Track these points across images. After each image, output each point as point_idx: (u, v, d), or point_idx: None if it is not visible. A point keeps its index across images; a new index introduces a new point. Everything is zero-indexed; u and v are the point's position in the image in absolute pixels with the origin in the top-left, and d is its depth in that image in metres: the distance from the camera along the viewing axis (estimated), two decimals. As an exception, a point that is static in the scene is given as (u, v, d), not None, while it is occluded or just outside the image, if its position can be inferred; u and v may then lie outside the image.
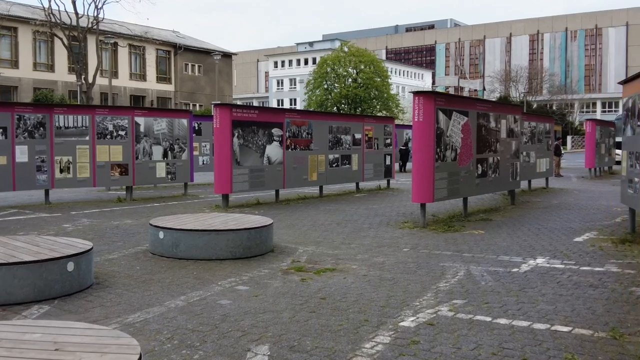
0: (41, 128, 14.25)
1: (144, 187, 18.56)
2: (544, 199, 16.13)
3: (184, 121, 16.87)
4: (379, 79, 60.54)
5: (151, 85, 53.31)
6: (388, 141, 19.39)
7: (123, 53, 50.37)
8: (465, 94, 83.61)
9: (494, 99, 65.24)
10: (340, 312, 5.44)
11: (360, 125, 18.10)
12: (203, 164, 21.75)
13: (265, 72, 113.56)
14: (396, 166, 23.89)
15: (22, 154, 14.00)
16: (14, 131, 13.87)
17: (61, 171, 14.55)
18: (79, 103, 37.52)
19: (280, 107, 76.20)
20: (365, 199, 16.16)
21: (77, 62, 40.00)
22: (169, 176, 16.47)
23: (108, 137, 15.14)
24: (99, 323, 5.13)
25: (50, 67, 46.55)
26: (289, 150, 15.21)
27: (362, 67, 60.52)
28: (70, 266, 6.14)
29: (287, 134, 15.12)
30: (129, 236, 9.78)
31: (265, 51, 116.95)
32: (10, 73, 43.41)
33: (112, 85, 43.67)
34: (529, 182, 18.69)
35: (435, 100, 10.87)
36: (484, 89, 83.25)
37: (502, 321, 5.15)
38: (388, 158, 19.43)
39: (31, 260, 5.92)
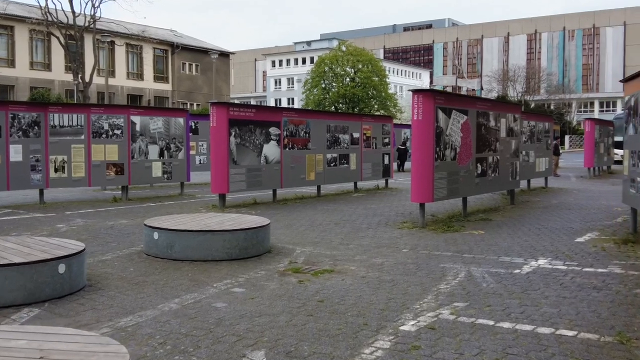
0: (36, 127, 14.08)
1: (140, 186, 18.40)
2: (544, 198, 16.00)
3: (181, 120, 16.71)
4: (376, 79, 60.46)
5: (148, 84, 53.11)
6: (386, 140, 19.25)
7: (120, 52, 50.16)
8: (463, 93, 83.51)
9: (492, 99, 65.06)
10: (339, 316, 5.29)
11: (359, 125, 17.96)
12: (200, 163, 21.59)
13: (263, 72, 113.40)
14: (394, 165, 23.75)
15: (16, 153, 13.83)
16: (8, 130, 13.70)
17: (56, 170, 14.39)
18: (75, 102, 37.29)
19: (277, 105, 76.15)
20: (364, 198, 16.01)
21: (74, 61, 39.78)
22: (165, 176, 16.30)
23: (103, 136, 14.97)
24: (90, 327, 4.99)
25: (47, 66, 46.35)
26: (287, 149, 15.06)
27: (360, 66, 60.43)
28: (62, 268, 5.98)
29: (285, 133, 14.97)
30: (124, 237, 9.63)
31: (263, 50, 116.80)
32: (6, 72, 43.21)
33: (110, 84, 43.47)
34: (528, 181, 18.56)
35: (434, 99, 10.73)
36: (482, 88, 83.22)
37: (505, 325, 5.01)
38: (386, 157, 19.29)
39: (21, 262, 5.76)
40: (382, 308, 5.53)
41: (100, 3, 39.96)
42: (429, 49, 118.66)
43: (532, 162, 17.86)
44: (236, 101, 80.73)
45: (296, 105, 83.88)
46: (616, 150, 30.38)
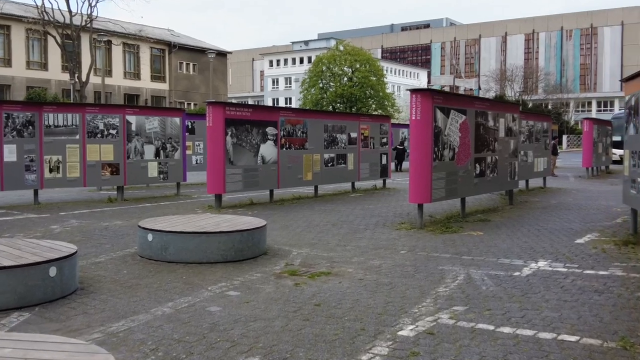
0: (30, 127, 13.94)
1: (136, 186, 18.26)
2: (542, 198, 15.90)
3: (177, 120, 16.57)
4: (374, 78, 60.33)
5: (145, 84, 52.93)
6: (384, 140, 19.13)
7: (117, 51, 49.99)
8: (461, 93, 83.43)
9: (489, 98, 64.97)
10: (336, 320, 5.17)
11: (356, 124, 17.84)
12: (196, 163, 21.46)
13: (261, 71, 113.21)
14: (392, 165, 23.63)
15: (10, 153, 13.69)
16: (2, 130, 13.56)
17: (50, 171, 14.25)
18: (72, 102, 37.12)
19: (275, 105, 76.01)
20: (361, 199, 15.90)
21: (71, 61, 39.64)
22: (161, 176, 16.17)
23: (99, 136, 14.83)
24: (81, 332, 4.87)
25: (44, 66, 46.15)
26: (284, 149, 14.94)
27: (358, 66, 60.29)
28: (53, 271, 5.86)
29: (282, 132, 14.85)
30: (118, 238, 9.50)
31: (261, 50, 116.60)
32: (3, 71, 43.01)
33: (107, 84, 43.31)
34: (527, 181, 18.46)
35: (433, 99, 10.61)
36: (480, 88, 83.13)
37: (506, 330, 4.89)
38: (384, 157, 19.18)
39: (11, 265, 5.64)
40: (379, 312, 5.41)
41: (96, 2, 39.83)
42: (426, 49, 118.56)
43: (531, 162, 17.76)
44: (234, 101, 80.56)
45: (294, 105, 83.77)
46: (614, 150, 30.32)
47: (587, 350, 4.42)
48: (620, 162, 31.79)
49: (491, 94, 73.61)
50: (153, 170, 15.87)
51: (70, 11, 38.51)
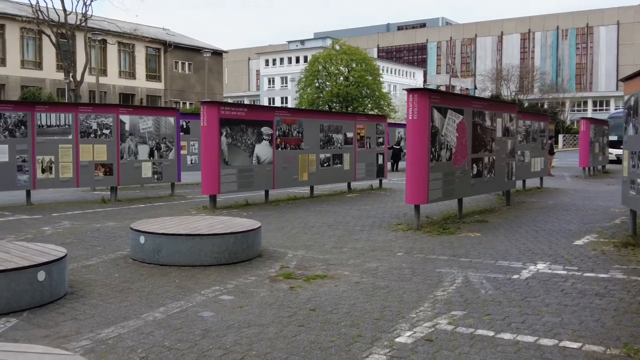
0: (22, 127, 13.76)
1: (130, 187, 18.09)
2: (540, 199, 15.79)
3: (171, 119, 16.40)
4: (370, 78, 60.20)
5: (141, 83, 52.73)
6: (380, 140, 19.01)
7: (112, 51, 49.77)
8: (457, 92, 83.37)
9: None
10: (331, 326, 5.04)
11: (352, 124, 17.71)
12: (191, 163, 21.30)
13: (257, 70, 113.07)
14: (388, 165, 23.50)
15: (2, 153, 13.50)
16: (-6, 130, 13.39)
17: (43, 171, 14.07)
18: (66, 101, 36.89)
19: (270, 105, 75.92)
20: (357, 199, 15.77)
21: (65, 60, 39.40)
22: (155, 176, 16.00)
23: (92, 135, 14.66)
24: (70, 338, 4.73)
25: (38, 65, 45.93)
26: (279, 149, 14.80)
27: (354, 65, 60.17)
28: (41, 275, 5.71)
29: (277, 132, 14.71)
30: (110, 240, 9.34)
31: (257, 49, 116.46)
32: (-3, 71, 42.81)
33: (102, 83, 43.10)
34: (524, 181, 18.35)
35: (430, 98, 10.49)
36: (476, 87, 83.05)
37: (506, 336, 4.77)
38: (380, 157, 19.05)
39: (-2, 270, 5.49)
40: (376, 317, 5.28)
41: (91, 1, 39.63)
42: (422, 48, 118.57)
43: (528, 162, 17.66)
44: (229, 100, 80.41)
45: (290, 105, 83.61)
46: (611, 150, 30.26)
47: (590, 358, 4.29)
48: (616, 161, 31.80)
49: (487, 94, 73.60)
50: (147, 170, 15.70)
51: (64, 10, 38.26)
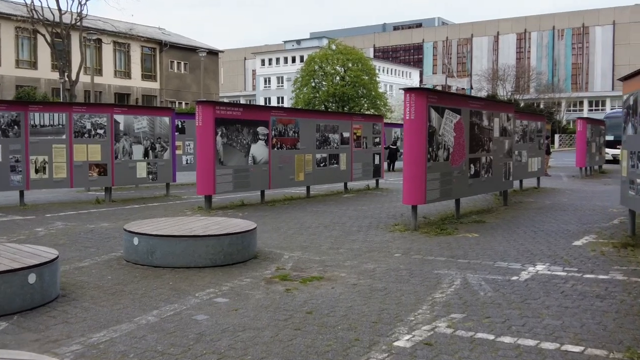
0: (15, 126, 13.62)
1: (125, 187, 17.94)
2: (537, 199, 15.72)
3: (166, 119, 16.27)
4: (366, 77, 60.13)
5: (136, 82, 52.52)
6: (377, 140, 18.91)
7: (107, 50, 49.56)
8: (453, 92, 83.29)
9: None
10: (328, 330, 4.93)
11: (349, 124, 17.61)
12: (187, 163, 21.15)
13: (253, 70, 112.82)
14: (384, 165, 23.41)
15: (-5, 153, 13.37)
16: (-13, 130, 13.25)
17: (37, 171, 13.93)
18: (61, 101, 36.69)
19: (266, 105, 75.71)
20: (354, 199, 15.67)
21: (60, 60, 39.21)
22: (150, 176, 15.86)
23: (86, 135, 14.53)
24: (60, 343, 4.62)
25: (33, 65, 45.70)
26: (275, 149, 14.68)
27: (350, 65, 60.08)
28: (32, 278, 5.60)
29: (273, 132, 14.59)
30: (104, 241, 9.22)
31: (253, 49, 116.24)
32: (-9, 70, 42.58)
33: (97, 83, 42.90)
34: (521, 182, 18.28)
35: (427, 98, 10.39)
36: (472, 87, 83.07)
37: (507, 340, 4.67)
38: (377, 157, 18.95)
39: (-12, 272, 5.37)
40: (374, 320, 5.18)
41: (86, 0, 39.50)
42: (418, 48, 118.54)
43: (525, 162, 17.58)
44: (225, 100, 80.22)
45: (286, 104, 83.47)
46: (607, 150, 30.22)
47: (593, 362, 4.20)
48: (613, 161, 31.77)
49: (483, 94, 73.60)
50: (142, 170, 15.56)
51: (59, 9, 38.07)
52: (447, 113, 10.99)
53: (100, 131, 14.70)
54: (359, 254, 8.26)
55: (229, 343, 4.59)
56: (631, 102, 9.12)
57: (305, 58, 69.60)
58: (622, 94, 10.21)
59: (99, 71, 48.04)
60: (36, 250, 6.28)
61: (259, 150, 14.18)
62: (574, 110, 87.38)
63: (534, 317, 5.27)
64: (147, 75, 53.77)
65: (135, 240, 7.43)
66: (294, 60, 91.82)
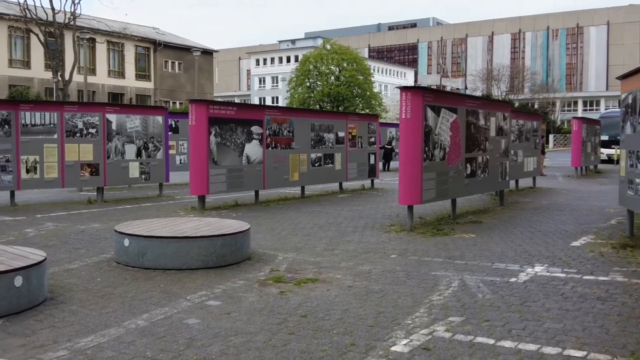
0: (6, 126, 13.43)
1: (117, 187, 17.75)
2: (533, 199, 15.61)
3: (159, 118, 16.10)
4: (361, 77, 60.04)
5: (130, 82, 52.27)
6: (372, 140, 18.77)
7: (101, 50, 49.29)
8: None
9: (477, 98, 64.85)
10: (323, 334, 4.79)
11: (344, 123, 17.47)
12: (180, 163, 20.99)
13: (247, 70, 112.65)
14: (379, 165, 23.27)
15: (-15, 153, 13.18)
16: (-23, 129, 13.05)
17: (27, 171, 13.74)
18: (54, 100, 36.43)
19: (261, 104, 75.51)
20: (349, 199, 15.53)
21: (54, 59, 38.94)
22: (143, 176, 15.68)
23: (78, 135, 14.34)
24: (46, 348, 4.46)
25: (26, 64, 45.42)
26: (269, 149, 14.53)
27: (345, 65, 59.99)
28: (19, 281, 5.43)
29: (268, 132, 14.44)
30: (94, 242, 9.05)
31: (247, 49, 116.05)
32: (-16, 70, 42.27)
33: (91, 82, 42.66)
34: (517, 181, 18.18)
35: (423, 96, 10.26)
36: (466, 87, 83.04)
37: (507, 344, 4.53)
38: (372, 157, 18.82)
39: (-28, 275, 5.21)
40: (370, 324, 5.04)
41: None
42: (413, 48, 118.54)
43: (521, 161, 17.48)
44: (220, 100, 79.98)
45: (281, 104, 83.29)
46: (602, 150, 30.16)
47: (597, 368, 4.07)
48: (608, 161, 31.73)
49: (478, 94, 73.56)
50: (134, 170, 15.38)
51: (53, 9, 37.82)
52: (444, 112, 10.86)
53: (92, 130, 14.52)
54: (355, 255, 8.12)
55: (220, 348, 4.44)
56: (630, 101, 9.01)
57: (300, 58, 69.45)
58: (619, 93, 10.11)
59: (92, 71, 47.80)
60: (23, 252, 6.11)
61: (253, 149, 14.02)
62: (568, 110, 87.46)
63: (534, 320, 5.14)
64: (141, 75, 53.53)
65: (126, 242, 7.27)
66: (288, 60, 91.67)
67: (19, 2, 37.41)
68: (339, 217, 12.05)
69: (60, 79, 38.47)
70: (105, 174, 14.73)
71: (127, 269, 7.13)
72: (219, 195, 14.73)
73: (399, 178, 10.40)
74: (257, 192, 14.52)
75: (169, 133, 17.36)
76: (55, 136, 14.04)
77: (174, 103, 54.58)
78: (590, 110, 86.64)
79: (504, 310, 5.43)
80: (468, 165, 11.84)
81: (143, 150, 15.55)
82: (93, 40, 46.12)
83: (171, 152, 19.03)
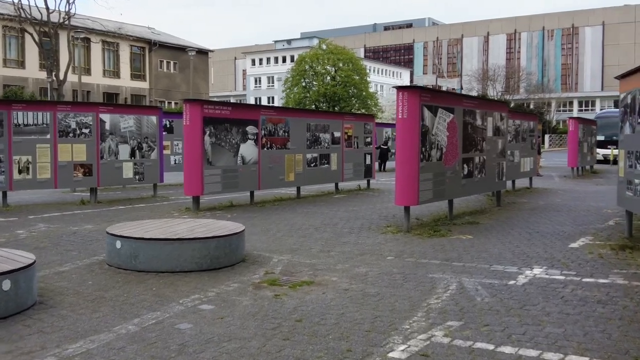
0: (-2, 126, 13.26)
1: (111, 188, 17.59)
2: (530, 199, 15.52)
3: (153, 118, 15.95)
4: (357, 77, 59.93)
5: (125, 82, 52.04)
6: (368, 140, 18.66)
7: (96, 49, 49.05)
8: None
9: (472, 98, 64.80)
10: (319, 339, 4.67)
11: (340, 123, 17.35)
12: (175, 163, 20.82)
13: (243, 70, 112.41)
14: (375, 165, 23.16)
15: (-24, 153, 13.01)
16: (-32, 129, 12.88)
17: (20, 172, 13.58)
18: (49, 100, 36.20)
19: (257, 104, 75.33)
20: (345, 200, 15.41)
21: (48, 59, 38.71)
22: (137, 177, 15.53)
23: (71, 135, 14.18)
24: (34, 355, 4.34)
25: (21, 64, 45.17)
26: (265, 149, 14.40)
27: (341, 65, 59.87)
28: (6, 284, 5.30)
29: (263, 132, 14.31)
30: (86, 244, 8.91)
31: (243, 49, 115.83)
32: (-22, 69, 42.01)
33: (85, 82, 42.45)
34: (513, 182, 18.08)
35: (420, 96, 10.15)
36: (462, 87, 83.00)
37: (507, 350, 4.42)
38: (368, 157, 18.71)
39: (-41, 279, 5.07)
40: (367, 329, 4.92)
41: (74, -1, 38.97)
42: (409, 48, 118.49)
43: (517, 162, 17.38)
44: (215, 100, 79.76)
45: (276, 104, 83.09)
46: (598, 150, 30.12)
47: (600, 374, 3.96)
48: (603, 161, 31.68)
49: (473, 94, 73.54)
50: (128, 171, 15.22)
51: (47, 8, 37.58)
52: (441, 112, 10.75)
53: (86, 130, 14.37)
54: (351, 257, 8.01)
55: (212, 355, 4.32)
56: (629, 101, 8.91)
57: (295, 58, 69.24)
58: (615, 93, 10.01)
59: (87, 70, 47.58)
60: (12, 255, 5.98)
61: (248, 150, 13.89)
62: (563, 111, 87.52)
63: (535, 324, 5.03)
64: (136, 74, 53.31)
65: (118, 244, 7.14)
66: (284, 60, 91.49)
67: (13, 1, 37.19)
68: (335, 218, 11.93)
69: (54, 78, 38.25)
70: (99, 175, 14.58)
71: (119, 272, 7.00)
72: (213, 195, 14.59)
73: (396, 178, 10.29)
74: (252, 193, 14.39)
75: (164, 133, 17.19)
76: (48, 136, 13.87)
77: (170, 103, 54.39)
78: (585, 110, 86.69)
79: (503, 314, 5.32)
80: (465, 165, 11.74)
81: (137, 151, 15.40)
82: (88, 40, 45.90)
83: (165, 152, 18.86)
